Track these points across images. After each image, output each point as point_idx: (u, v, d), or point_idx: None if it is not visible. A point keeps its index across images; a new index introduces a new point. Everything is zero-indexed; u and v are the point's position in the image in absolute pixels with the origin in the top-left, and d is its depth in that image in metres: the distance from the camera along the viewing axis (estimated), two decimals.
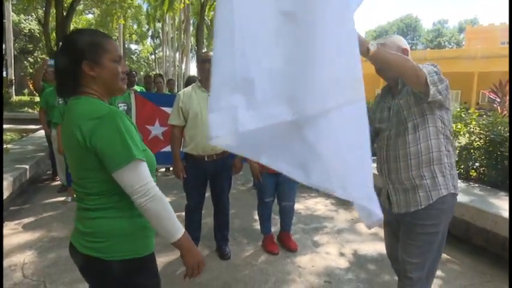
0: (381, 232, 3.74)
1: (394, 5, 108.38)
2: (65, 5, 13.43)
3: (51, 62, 6.25)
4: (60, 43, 1.29)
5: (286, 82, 1.04)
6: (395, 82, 1.87)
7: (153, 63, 41.12)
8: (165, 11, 23.67)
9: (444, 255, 3.22)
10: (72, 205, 4.42)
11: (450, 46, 51.61)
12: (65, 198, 4.60)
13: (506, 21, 34.05)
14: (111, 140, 1.12)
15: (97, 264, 1.20)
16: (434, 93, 1.60)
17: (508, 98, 13.77)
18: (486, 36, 31.06)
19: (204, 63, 2.91)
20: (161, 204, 1.15)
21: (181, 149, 3.09)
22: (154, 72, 38.41)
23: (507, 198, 3.47)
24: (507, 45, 29.08)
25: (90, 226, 1.21)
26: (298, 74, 1.03)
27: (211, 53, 2.98)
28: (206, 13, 21.19)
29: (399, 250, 1.89)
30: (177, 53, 33.42)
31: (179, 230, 1.20)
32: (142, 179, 1.13)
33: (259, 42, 1.03)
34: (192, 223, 3.10)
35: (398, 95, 1.84)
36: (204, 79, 2.97)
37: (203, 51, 25.59)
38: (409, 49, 1.85)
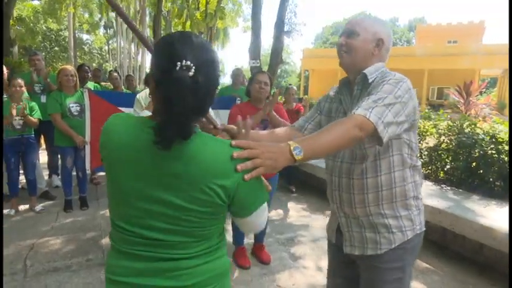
0: None
1: (348, 2, 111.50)
2: None
3: None
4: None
5: None
6: (353, 74, 1.45)
7: (107, 55, 39.08)
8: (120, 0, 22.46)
9: (424, 264, 3.15)
10: (16, 220, 3.91)
11: (401, 44, 53.85)
12: (7, 211, 4.05)
13: (452, 21, 36.07)
14: (254, 185, 0.99)
15: None
16: (392, 135, 1.22)
17: (471, 98, 14.40)
18: (435, 35, 32.58)
19: None
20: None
21: None
22: (109, 64, 36.68)
23: (481, 202, 3.47)
24: (453, 44, 30.88)
25: (190, 277, 1.00)
26: None
27: None
28: (164, 4, 20.35)
29: None
30: (132, 45, 32.00)
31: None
32: (266, 213, 1.10)
33: None
34: None
35: (355, 100, 1.42)
36: None
37: None
38: (386, 38, 1.43)
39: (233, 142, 0.96)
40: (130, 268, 0.99)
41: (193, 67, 0.88)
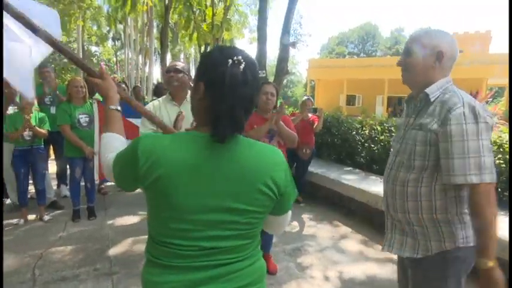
0: (366, 251, 3.63)
1: (354, 13, 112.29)
2: None
3: None
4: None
5: None
6: (417, 91, 1.51)
7: (115, 66, 39.58)
8: (127, 12, 22.83)
9: None
10: (25, 229, 3.95)
11: None
12: (16, 220, 4.10)
13: (459, 31, 35.96)
14: (291, 183, 1.08)
15: None
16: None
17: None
18: None
19: (169, 72, 2.62)
20: None
21: None
22: (116, 76, 37.10)
23: None
24: (460, 53, 30.73)
25: (241, 279, 1.03)
26: None
27: (179, 63, 2.69)
28: (170, 16, 20.64)
29: None
30: (140, 56, 32.40)
31: None
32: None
33: None
34: None
35: (417, 114, 1.49)
36: (173, 91, 2.68)
37: (169, 59, 24.97)
38: (447, 49, 1.44)
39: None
40: (183, 281, 0.98)
41: (244, 62, 0.97)
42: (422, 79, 1.47)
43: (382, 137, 5.49)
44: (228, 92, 0.95)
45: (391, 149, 1.66)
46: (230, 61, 0.96)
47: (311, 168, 5.46)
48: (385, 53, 53.89)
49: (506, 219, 3.26)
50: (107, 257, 3.35)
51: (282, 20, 8.38)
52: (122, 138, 1.22)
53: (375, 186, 4.50)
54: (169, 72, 2.62)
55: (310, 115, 5.26)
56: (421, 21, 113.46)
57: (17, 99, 4.28)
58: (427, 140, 1.40)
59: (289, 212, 1.15)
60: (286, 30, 8.08)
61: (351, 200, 4.64)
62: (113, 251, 3.46)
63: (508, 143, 3.79)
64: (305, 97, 5.61)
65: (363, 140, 5.88)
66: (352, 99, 29.26)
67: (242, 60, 0.98)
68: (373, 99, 27.43)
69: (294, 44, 8.40)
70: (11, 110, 4.23)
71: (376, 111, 25.68)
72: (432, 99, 1.43)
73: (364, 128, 6.06)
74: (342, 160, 6.22)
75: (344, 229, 4.24)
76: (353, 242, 3.86)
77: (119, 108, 1.29)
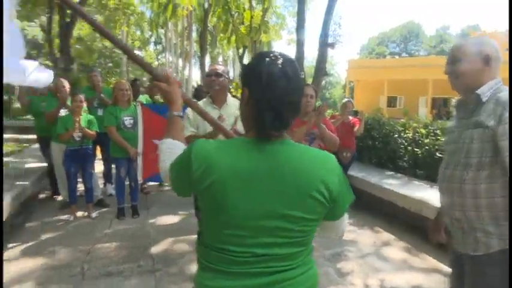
0: (410, 259, 3.49)
1: (395, 12, 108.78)
2: (68, 12, 13.27)
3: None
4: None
5: None
6: (468, 95, 1.54)
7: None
8: (168, 17, 23.53)
9: None
10: (74, 225, 4.17)
11: None
12: (67, 216, 4.33)
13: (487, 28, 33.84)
14: (346, 187, 1.06)
15: None
16: None
17: None
18: None
19: (210, 76, 2.66)
20: None
21: None
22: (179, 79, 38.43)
23: None
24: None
25: (297, 286, 1.02)
26: None
27: (219, 67, 2.72)
28: (209, 20, 21.03)
29: None
30: (180, 59, 33.30)
31: None
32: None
33: None
34: None
35: (471, 115, 1.51)
36: (214, 95, 2.71)
37: (207, 61, 25.34)
38: (492, 52, 1.49)
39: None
40: (234, 287, 0.98)
41: (281, 58, 0.98)
42: (472, 84, 1.51)
43: (427, 140, 5.26)
44: (267, 89, 0.96)
45: (445, 151, 1.68)
46: (267, 59, 0.98)
47: (351, 172, 5.34)
48: (429, 52, 51.74)
49: None
50: (149, 254, 3.46)
51: (320, 20, 8.29)
52: (182, 145, 1.23)
53: (418, 191, 4.32)
54: (210, 76, 2.66)
55: (350, 118, 5.15)
56: (468, 19, 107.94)
57: (68, 103, 4.54)
58: (484, 136, 1.43)
59: (346, 216, 1.13)
60: (325, 31, 7.97)
61: (393, 206, 4.48)
62: (155, 249, 3.56)
63: None
64: (346, 99, 5.51)
65: (405, 144, 5.67)
66: (393, 100, 28.35)
67: (279, 57, 0.99)
68: (415, 100, 26.42)
69: (332, 45, 8.25)
70: (62, 112, 4.49)
71: (419, 112, 24.68)
72: (484, 100, 1.47)
73: (407, 131, 5.84)
74: (383, 164, 6.03)
75: (386, 235, 4.10)
76: (396, 249, 3.72)
77: (182, 114, 1.33)
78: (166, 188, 5.72)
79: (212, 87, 2.66)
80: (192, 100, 1.68)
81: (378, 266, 3.32)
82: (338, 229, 1.15)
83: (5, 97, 14.99)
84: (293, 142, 1.03)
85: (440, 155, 5.05)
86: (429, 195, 4.01)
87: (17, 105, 15.37)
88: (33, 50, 28.39)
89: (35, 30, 25.37)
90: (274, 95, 0.95)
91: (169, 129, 1.26)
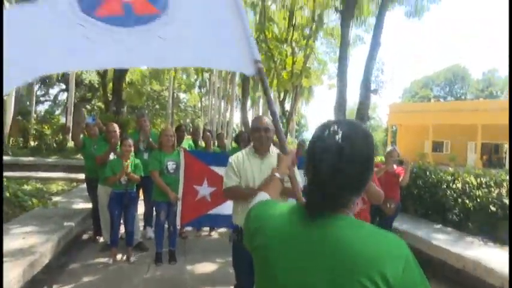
0: None
1: (439, 56, 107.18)
2: None
3: (90, 120, 6.47)
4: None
5: None
6: None
7: (199, 111, 42.66)
8: None
9: None
10: (113, 269, 4.22)
11: (503, 96, 49.25)
12: (107, 259, 4.41)
13: None
14: (413, 278, 0.86)
15: None
16: None
17: None
18: None
19: (259, 131, 2.68)
20: None
21: (233, 222, 2.79)
22: (201, 120, 39.83)
23: None
24: None
25: None
26: None
27: (265, 120, 2.75)
28: None
29: None
30: (222, 102, 34.50)
31: None
32: None
33: None
34: None
35: None
36: (257, 146, 2.73)
37: (249, 105, 25.94)
38: None
39: None
40: None
41: (341, 132, 0.90)
42: None
43: (479, 192, 4.94)
44: (318, 164, 0.89)
45: None
46: (326, 132, 0.92)
47: (394, 224, 5.06)
48: (477, 96, 49.95)
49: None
50: None
51: (362, 65, 8.33)
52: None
53: (471, 249, 4.00)
54: (258, 130, 2.69)
55: (395, 167, 4.93)
56: None
57: (117, 149, 4.77)
58: None
59: None
60: (367, 77, 7.98)
61: (443, 264, 4.15)
62: None
63: None
64: (391, 147, 5.26)
65: (455, 195, 5.34)
66: (439, 145, 27.25)
67: (339, 130, 0.91)
68: (463, 145, 25.25)
69: (375, 91, 8.23)
70: (111, 156, 4.71)
71: (468, 159, 23.48)
72: None
73: (456, 181, 5.52)
74: (430, 216, 5.69)
75: None
76: None
77: (282, 178, 1.55)
78: (204, 233, 5.71)
79: (262, 143, 2.69)
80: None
81: None
82: None
83: (60, 137, 16.12)
84: (351, 217, 0.94)
85: (494, 209, 4.70)
86: (483, 253, 3.68)
87: (70, 144, 16.48)
88: (89, 93, 30.76)
89: (91, 75, 27.57)
90: (326, 174, 0.88)
91: (267, 185, 1.48)
